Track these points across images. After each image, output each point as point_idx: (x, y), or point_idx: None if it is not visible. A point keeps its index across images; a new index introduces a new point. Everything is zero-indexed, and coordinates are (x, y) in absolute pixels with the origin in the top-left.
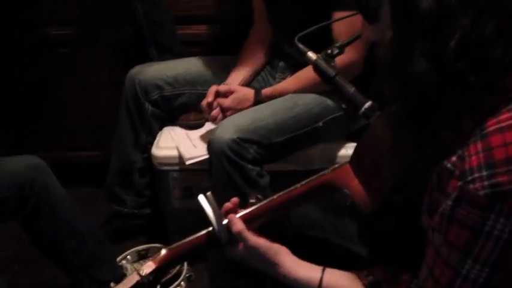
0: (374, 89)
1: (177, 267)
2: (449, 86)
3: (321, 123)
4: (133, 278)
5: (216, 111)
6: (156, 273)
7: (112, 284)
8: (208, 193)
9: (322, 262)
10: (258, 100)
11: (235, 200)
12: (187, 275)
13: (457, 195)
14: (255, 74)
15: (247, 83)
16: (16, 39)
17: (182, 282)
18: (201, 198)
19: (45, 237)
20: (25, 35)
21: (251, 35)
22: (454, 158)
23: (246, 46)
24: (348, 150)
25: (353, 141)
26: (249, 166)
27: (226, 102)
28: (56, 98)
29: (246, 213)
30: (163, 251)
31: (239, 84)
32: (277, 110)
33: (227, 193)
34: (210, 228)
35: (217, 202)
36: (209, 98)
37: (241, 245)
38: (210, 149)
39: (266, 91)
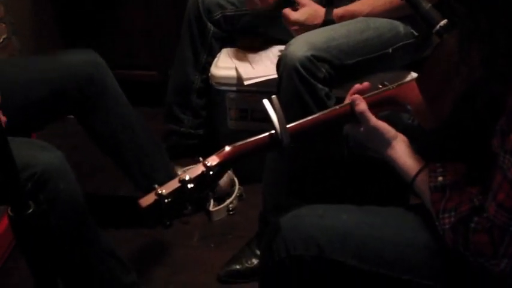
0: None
1: (230, 186)
2: None
3: (390, 50)
4: (199, 168)
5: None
6: (219, 167)
7: (179, 172)
8: (273, 96)
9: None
10: (328, 19)
11: (367, 84)
12: (238, 194)
13: None
14: None
15: None
16: None
17: (234, 201)
18: (266, 101)
19: (101, 131)
20: None
21: None
22: None
23: None
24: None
25: (415, 71)
26: (319, 85)
27: (295, 15)
28: (117, 15)
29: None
30: (227, 148)
31: None
32: (350, 32)
33: (294, 110)
34: (273, 131)
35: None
36: None
37: (362, 125)
38: (280, 65)
39: (338, 11)
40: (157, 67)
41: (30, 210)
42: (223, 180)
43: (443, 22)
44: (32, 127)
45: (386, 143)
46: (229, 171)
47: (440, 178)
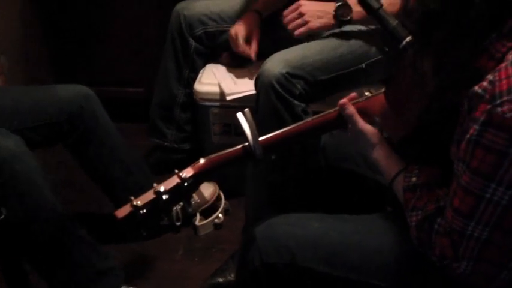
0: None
1: (215, 198)
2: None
3: (363, 65)
4: (174, 180)
5: (298, 21)
6: (194, 179)
7: (155, 184)
8: (246, 109)
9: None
10: (341, 5)
11: (354, 95)
12: (225, 209)
13: (484, 119)
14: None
15: (268, 10)
16: None
17: (220, 215)
18: (239, 115)
19: (92, 163)
20: None
21: None
22: (484, 83)
23: None
24: None
25: None
26: (295, 102)
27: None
28: (104, 33)
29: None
30: (202, 160)
31: (265, 10)
32: (323, 49)
33: (271, 126)
34: (246, 143)
35: (262, 135)
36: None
37: (350, 128)
38: (258, 82)
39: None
40: (144, 83)
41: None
42: (209, 194)
43: (409, 38)
44: None
45: (371, 145)
46: (215, 186)
47: (414, 179)
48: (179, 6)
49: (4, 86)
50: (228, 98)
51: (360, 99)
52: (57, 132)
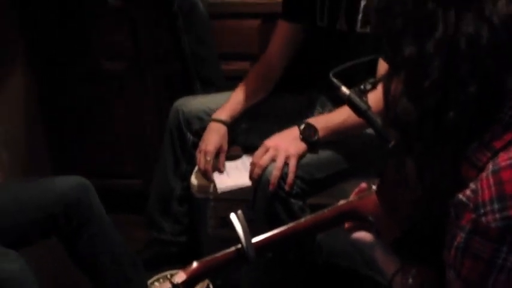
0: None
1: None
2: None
3: (359, 161)
4: (165, 286)
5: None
6: (186, 284)
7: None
8: (239, 211)
9: None
10: (306, 127)
11: (364, 186)
12: None
13: (470, 228)
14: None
15: (234, 119)
16: (73, 67)
17: None
18: (232, 216)
19: (83, 253)
20: (82, 65)
21: (254, 70)
22: (468, 192)
23: (248, 80)
24: None
25: None
26: (292, 200)
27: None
28: (103, 125)
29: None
30: (195, 264)
31: (230, 118)
32: (319, 147)
33: (269, 224)
34: (239, 246)
35: (258, 232)
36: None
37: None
38: (255, 180)
39: (314, 120)
40: (142, 176)
41: None
42: None
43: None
44: (15, 248)
45: (369, 247)
46: (206, 281)
47: (410, 280)
48: (178, 103)
49: (2, 182)
50: (219, 191)
51: (342, 203)
52: (53, 225)
